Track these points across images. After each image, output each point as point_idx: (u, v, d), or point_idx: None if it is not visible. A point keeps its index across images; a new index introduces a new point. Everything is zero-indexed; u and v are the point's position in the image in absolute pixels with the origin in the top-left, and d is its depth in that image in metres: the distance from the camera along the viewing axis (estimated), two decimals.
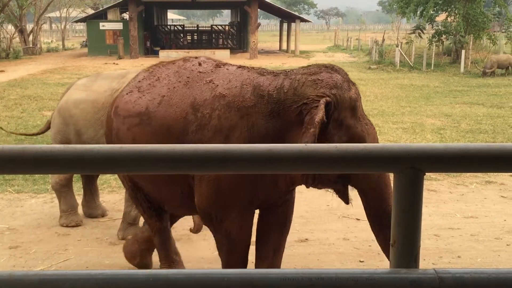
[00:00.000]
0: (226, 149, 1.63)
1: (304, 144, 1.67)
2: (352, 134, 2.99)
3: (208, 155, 1.56)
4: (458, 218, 5.54)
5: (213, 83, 3.15)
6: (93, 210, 5.48)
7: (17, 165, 1.62)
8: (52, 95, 14.28)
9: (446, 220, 5.42)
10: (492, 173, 7.27)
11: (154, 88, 3.32)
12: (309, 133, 2.75)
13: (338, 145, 1.65)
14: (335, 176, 3.08)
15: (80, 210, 5.44)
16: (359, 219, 5.47)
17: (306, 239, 4.97)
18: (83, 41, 38.63)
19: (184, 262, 4.16)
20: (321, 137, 2.80)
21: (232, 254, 3.35)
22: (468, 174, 7.25)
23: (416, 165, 1.55)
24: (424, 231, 4.96)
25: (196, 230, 4.39)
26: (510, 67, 20.71)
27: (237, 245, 3.34)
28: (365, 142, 3.03)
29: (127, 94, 3.43)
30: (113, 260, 4.51)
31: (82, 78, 5.29)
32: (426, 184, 6.81)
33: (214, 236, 3.44)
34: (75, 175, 5.58)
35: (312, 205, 5.86)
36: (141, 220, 5.01)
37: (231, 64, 3.37)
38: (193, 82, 3.22)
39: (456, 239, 4.96)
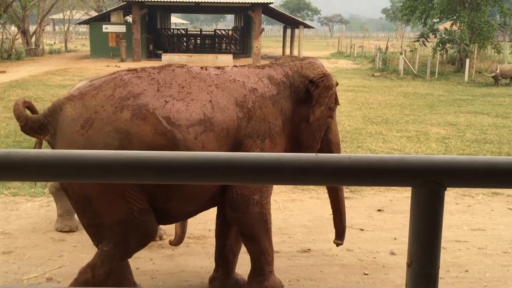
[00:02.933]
0: (231, 158, 1.50)
1: (315, 154, 1.54)
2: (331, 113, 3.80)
3: (212, 164, 1.44)
4: (465, 231, 5.40)
5: (238, 80, 3.44)
6: None
7: (1, 172, 1.50)
8: (53, 97, 14.17)
9: (452, 232, 5.28)
10: None
11: (190, 94, 3.23)
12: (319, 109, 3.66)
13: (351, 155, 1.53)
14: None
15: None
16: (362, 230, 5.35)
17: (309, 249, 4.83)
18: None
19: (182, 272, 4.04)
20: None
21: (267, 234, 3.63)
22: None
23: (436, 179, 1.42)
24: None
25: (177, 242, 4.26)
26: None
27: (270, 225, 3.66)
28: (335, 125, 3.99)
29: (166, 103, 3.14)
30: None
31: (81, 81, 5.17)
32: None
33: (245, 225, 3.57)
34: None
35: (314, 214, 5.73)
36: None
37: (215, 67, 3.61)
38: (222, 84, 3.38)
39: (464, 252, 4.82)
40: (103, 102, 3.07)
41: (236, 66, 3.70)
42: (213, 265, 4.06)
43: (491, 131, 11.23)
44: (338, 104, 4.00)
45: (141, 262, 4.44)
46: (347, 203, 6.27)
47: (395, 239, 5.11)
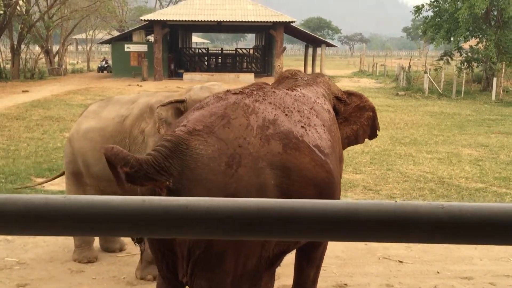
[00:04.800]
0: (294, 206, 1.18)
1: (394, 201, 1.20)
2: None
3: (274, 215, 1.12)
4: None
5: (319, 102, 3.31)
6: (110, 244, 5.03)
7: None
8: (74, 117, 14.02)
9: (500, 265, 4.86)
10: None
11: (309, 119, 2.96)
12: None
13: (445, 204, 1.19)
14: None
15: (96, 242, 5.01)
16: (401, 262, 4.96)
17: (345, 284, 4.45)
18: (101, 64, 36.66)
19: None
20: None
21: (320, 267, 3.52)
22: None
23: None
24: (477, 278, 4.42)
25: None
26: None
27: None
28: None
29: (305, 130, 2.82)
30: None
31: (94, 103, 4.91)
32: None
33: (311, 258, 3.39)
34: None
35: (348, 244, 5.34)
36: None
37: (291, 88, 3.43)
38: (315, 106, 3.20)
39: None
40: (242, 133, 2.54)
41: (298, 85, 3.52)
42: None
43: None
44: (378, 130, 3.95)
45: None
46: None
47: (438, 272, 4.70)
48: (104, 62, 36.34)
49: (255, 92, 2.93)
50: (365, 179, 8.14)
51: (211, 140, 2.49)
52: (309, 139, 2.77)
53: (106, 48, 55.66)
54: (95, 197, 1.20)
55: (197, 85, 4.34)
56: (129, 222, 1.18)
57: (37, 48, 33.94)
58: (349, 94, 3.82)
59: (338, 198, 2.98)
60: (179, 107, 3.97)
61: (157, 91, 4.95)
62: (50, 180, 5.94)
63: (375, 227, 1.19)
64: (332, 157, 2.92)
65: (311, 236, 1.22)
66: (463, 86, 23.61)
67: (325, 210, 1.19)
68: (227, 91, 3.01)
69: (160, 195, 2.45)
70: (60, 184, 7.45)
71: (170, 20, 28.61)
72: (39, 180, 7.84)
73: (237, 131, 2.55)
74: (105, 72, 34.99)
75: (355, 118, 3.71)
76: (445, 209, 1.17)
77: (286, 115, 2.83)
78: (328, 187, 2.76)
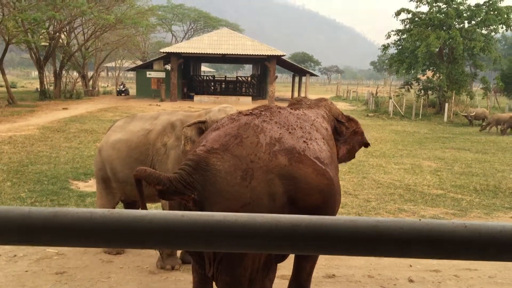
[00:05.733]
0: (325, 223, 1.02)
1: (419, 219, 1.05)
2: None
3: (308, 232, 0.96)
4: None
5: (318, 120, 3.11)
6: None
7: (45, 234, 1.02)
8: (105, 130, 13.81)
9: (462, 260, 4.69)
10: (494, 215, 6.53)
11: (310, 134, 2.81)
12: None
13: (467, 223, 1.03)
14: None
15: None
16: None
17: (333, 275, 4.26)
18: (119, 88, 34.07)
19: None
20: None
21: (316, 261, 3.32)
22: (472, 214, 6.52)
23: None
24: (444, 271, 4.22)
25: None
26: (485, 118, 19.99)
27: None
28: None
29: (307, 144, 2.69)
30: None
31: (120, 120, 4.72)
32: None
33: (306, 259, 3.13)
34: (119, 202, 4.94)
35: None
36: (179, 251, 4.37)
37: (292, 108, 3.28)
38: (315, 123, 3.02)
39: (476, 281, 4.23)
40: (253, 150, 2.45)
41: (302, 107, 3.36)
42: None
43: (475, 165, 10.62)
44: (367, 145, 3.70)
45: (182, 284, 3.93)
46: None
47: (410, 266, 4.53)
48: (122, 86, 33.99)
49: (263, 113, 2.81)
50: (345, 185, 7.97)
51: (226, 157, 2.40)
52: (310, 152, 2.64)
53: (131, 74, 55.47)
54: (137, 212, 1.03)
55: (215, 107, 4.20)
56: (170, 235, 1.01)
57: (75, 73, 33.73)
58: (349, 119, 3.63)
59: (339, 202, 2.82)
60: (201, 127, 3.83)
61: (175, 110, 4.79)
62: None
63: (398, 243, 1.03)
64: (332, 166, 2.77)
65: (338, 252, 1.05)
66: (421, 109, 23.57)
67: (352, 227, 1.02)
68: (239, 112, 2.87)
69: (186, 205, 2.39)
70: (92, 186, 7.25)
71: (184, 53, 28.47)
72: (76, 182, 7.64)
73: (249, 148, 2.46)
74: (122, 95, 32.84)
75: (350, 140, 3.55)
76: (467, 228, 1.01)
77: (290, 132, 2.70)
78: (329, 192, 2.63)
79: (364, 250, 1.01)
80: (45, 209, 0.99)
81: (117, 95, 33.23)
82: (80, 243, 1.02)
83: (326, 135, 3.02)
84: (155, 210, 1.01)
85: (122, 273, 4.14)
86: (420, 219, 1.04)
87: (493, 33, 24.29)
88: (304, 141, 2.69)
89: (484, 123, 18.19)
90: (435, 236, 1.00)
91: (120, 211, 1.00)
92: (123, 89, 33.72)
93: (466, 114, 20.35)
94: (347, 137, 3.55)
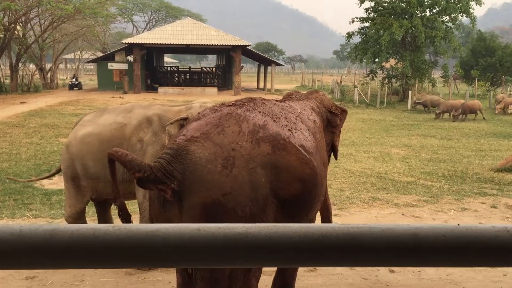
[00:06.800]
0: (356, 232, 0.92)
1: (457, 224, 0.96)
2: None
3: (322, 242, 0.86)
4: None
5: (305, 113, 3.00)
6: None
7: (41, 257, 0.89)
8: (67, 124, 13.37)
9: None
10: (465, 200, 6.67)
11: (295, 124, 2.70)
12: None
13: (508, 226, 0.96)
14: None
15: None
16: None
17: (315, 268, 4.22)
18: (71, 81, 30.98)
19: None
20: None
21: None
22: (444, 200, 6.63)
23: None
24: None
25: None
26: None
27: None
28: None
29: (292, 133, 2.59)
30: None
31: (88, 114, 4.47)
32: (409, 210, 6.16)
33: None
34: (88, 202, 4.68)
35: None
36: None
37: (282, 100, 3.24)
38: (301, 115, 2.91)
39: (454, 269, 4.27)
40: (235, 138, 2.34)
41: (290, 100, 3.26)
42: None
43: (441, 151, 10.86)
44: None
45: (161, 285, 3.79)
46: (337, 220, 5.76)
47: None
48: (74, 79, 31.02)
49: (246, 104, 2.71)
50: None
51: (207, 145, 2.30)
52: (295, 140, 2.55)
53: (91, 66, 54.01)
54: (148, 226, 0.91)
55: (195, 103, 4.07)
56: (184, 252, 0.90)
57: (32, 66, 32.54)
58: (342, 110, 3.56)
59: (322, 192, 2.74)
60: (183, 124, 3.70)
61: (151, 104, 4.57)
62: (46, 178, 5.23)
63: (440, 251, 0.94)
64: (316, 156, 2.67)
65: (373, 263, 0.96)
66: (385, 97, 23.96)
67: (389, 236, 0.93)
68: (222, 104, 2.75)
69: (164, 196, 2.26)
70: (58, 183, 6.96)
71: (147, 43, 27.89)
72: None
73: (231, 136, 2.36)
74: (75, 89, 29.74)
75: (341, 127, 3.53)
76: (510, 232, 0.94)
77: (274, 121, 2.61)
78: (311, 182, 2.54)
79: (404, 260, 0.93)
80: (40, 226, 0.85)
81: (70, 89, 30.05)
82: (83, 265, 0.89)
83: (313, 127, 2.92)
84: (166, 224, 0.89)
85: (97, 275, 3.96)
86: (458, 225, 0.96)
87: (452, 23, 24.83)
88: (289, 130, 2.61)
89: (437, 111, 18.59)
90: (479, 242, 0.92)
91: (128, 226, 0.87)
92: (76, 83, 30.72)
93: (419, 101, 20.92)
94: (340, 125, 3.51)
